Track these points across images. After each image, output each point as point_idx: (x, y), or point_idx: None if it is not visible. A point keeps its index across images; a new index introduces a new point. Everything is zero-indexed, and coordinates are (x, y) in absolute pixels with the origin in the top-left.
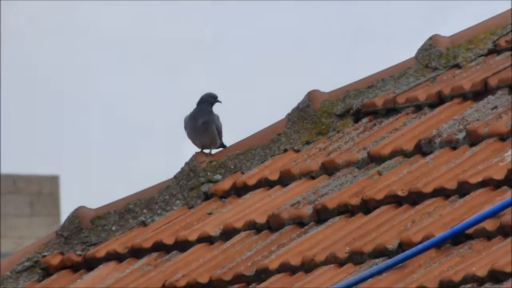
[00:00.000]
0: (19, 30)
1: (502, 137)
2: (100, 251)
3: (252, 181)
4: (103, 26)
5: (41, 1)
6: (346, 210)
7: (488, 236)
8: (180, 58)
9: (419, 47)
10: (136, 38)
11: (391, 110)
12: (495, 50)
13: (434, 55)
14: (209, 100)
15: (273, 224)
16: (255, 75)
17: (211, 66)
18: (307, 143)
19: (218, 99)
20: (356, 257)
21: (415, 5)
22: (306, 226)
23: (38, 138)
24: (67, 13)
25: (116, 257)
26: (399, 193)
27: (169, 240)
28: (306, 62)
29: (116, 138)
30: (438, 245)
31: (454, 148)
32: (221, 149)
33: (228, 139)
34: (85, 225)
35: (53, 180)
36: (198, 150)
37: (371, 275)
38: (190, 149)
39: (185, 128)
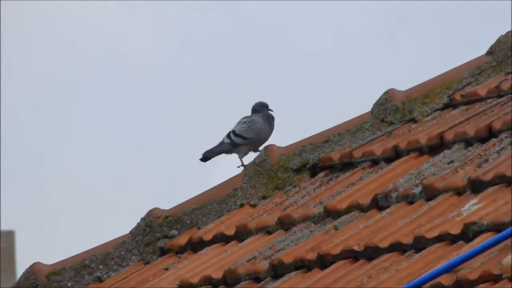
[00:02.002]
0: None
1: (459, 192)
2: None
3: (208, 236)
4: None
5: None
6: (303, 265)
7: None
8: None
9: (374, 101)
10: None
11: (347, 164)
12: (451, 105)
13: (390, 109)
14: (261, 110)
15: (230, 280)
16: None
17: None
18: (264, 198)
19: (270, 107)
20: None
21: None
22: (263, 282)
23: None
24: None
25: None
26: (355, 248)
27: None
28: None
29: (73, 195)
30: None
31: (411, 203)
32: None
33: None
34: (40, 281)
35: (9, 235)
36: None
37: None
38: (145, 205)
39: (258, 134)
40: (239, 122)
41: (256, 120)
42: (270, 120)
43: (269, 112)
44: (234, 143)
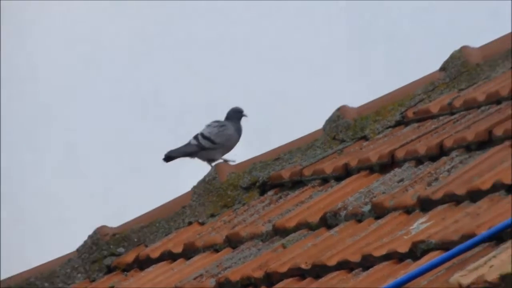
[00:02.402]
0: None
1: (408, 210)
2: None
3: (155, 254)
4: None
5: None
6: (249, 283)
7: None
8: None
9: (327, 118)
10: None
11: (297, 182)
12: (403, 122)
13: (342, 126)
14: (236, 115)
15: None
16: None
17: None
18: (212, 215)
19: (244, 113)
20: None
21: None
22: None
23: None
24: None
25: None
26: (303, 266)
27: None
28: None
29: (16, 211)
30: None
31: (360, 221)
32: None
33: None
34: None
35: None
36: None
37: None
38: (90, 223)
39: (227, 141)
40: (209, 125)
41: (228, 126)
42: (239, 129)
43: (243, 117)
44: (201, 145)
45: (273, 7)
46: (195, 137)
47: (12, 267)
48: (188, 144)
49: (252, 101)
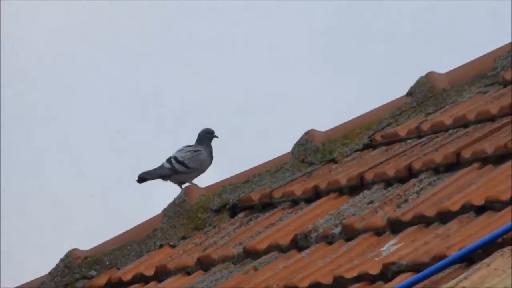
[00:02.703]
0: None
1: (378, 232)
2: None
3: (127, 277)
4: None
5: None
6: None
7: None
8: None
9: (295, 142)
10: None
11: (267, 205)
12: (371, 145)
13: (310, 150)
14: (207, 137)
15: None
16: None
17: None
18: (183, 238)
19: (215, 134)
20: None
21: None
22: None
23: None
24: None
25: None
26: None
27: None
28: None
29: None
30: None
31: (330, 243)
32: None
33: None
34: None
35: None
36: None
37: None
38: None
39: (200, 165)
40: (181, 150)
41: (201, 151)
42: (211, 152)
43: (215, 138)
44: (174, 169)
45: (273, 7)
46: (168, 160)
47: (12, 266)
48: (162, 167)
49: (252, 101)
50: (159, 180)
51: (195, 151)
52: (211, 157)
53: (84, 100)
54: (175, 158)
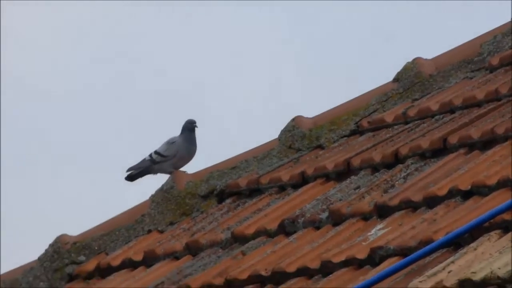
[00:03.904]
0: None
1: (365, 217)
2: None
3: (116, 262)
4: None
5: None
6: None
7: None
8: None
9: (282, 128)
10: None
11: (254, 190)
12: (358, 131)
13: (297, 136)
14: (188, 127)
15: None
16: None
17: None
18: (171, 223)
19: (195, 124)
20: None
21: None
22: None
23: None
24: None
25: None
26: (263, 273)
27: None
28: None
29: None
30: None
31: (318, 228)
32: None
33: None
34: None
35: None
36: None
37: None
38: (53, 231)
39: (176, 152)
40: (164, 142)
41: (176, 140)
42: (192, 140)
43: (195, 127)
44: (152, 160)
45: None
46: (150, 155)
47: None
48: (143, 160)
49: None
50: (150, 176)
51: (170, 140)
52: (191, 144)
53: (84, 100)
54: (154, 151)
